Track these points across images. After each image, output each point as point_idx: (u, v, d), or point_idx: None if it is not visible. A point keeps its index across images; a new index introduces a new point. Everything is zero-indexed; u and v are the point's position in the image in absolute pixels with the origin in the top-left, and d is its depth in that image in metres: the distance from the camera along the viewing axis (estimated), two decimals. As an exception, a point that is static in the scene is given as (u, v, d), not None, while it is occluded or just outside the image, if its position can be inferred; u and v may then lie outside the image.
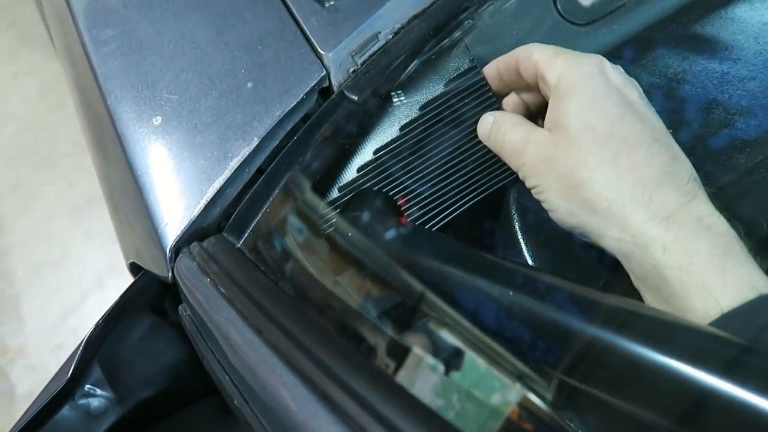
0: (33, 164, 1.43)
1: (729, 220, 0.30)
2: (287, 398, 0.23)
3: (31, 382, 1.27)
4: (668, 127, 0.34)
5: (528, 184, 0.36)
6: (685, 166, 0.32)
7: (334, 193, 0.44)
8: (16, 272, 1.34)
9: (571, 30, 0.42)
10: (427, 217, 0.43)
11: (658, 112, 0.35)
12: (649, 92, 0.38)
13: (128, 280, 0.50)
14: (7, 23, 1.57)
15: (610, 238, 0.31)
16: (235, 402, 0.26)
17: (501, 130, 0.37)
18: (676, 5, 0.42)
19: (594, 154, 0.32)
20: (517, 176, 0.38)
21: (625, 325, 0.24)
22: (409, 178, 0.47)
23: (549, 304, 0.29)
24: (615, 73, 0.34)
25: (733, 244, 0.29)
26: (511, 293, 0.31)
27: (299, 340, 0.24)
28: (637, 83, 0.35)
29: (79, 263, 1.34)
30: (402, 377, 0.26)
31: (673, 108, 0.39)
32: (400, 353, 0.28)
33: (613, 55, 0.41)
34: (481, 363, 0.33)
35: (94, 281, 1.32)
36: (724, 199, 0.31)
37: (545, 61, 0.35)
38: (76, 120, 1.51)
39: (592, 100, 0.33)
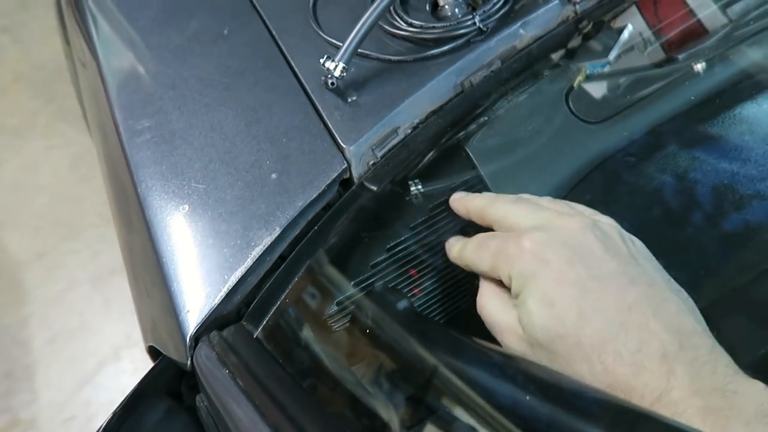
0: (60, 234, 1.47)
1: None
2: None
3: (40, 455, 1.25)
4: (677, 228, 0.34)
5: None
6: (659, 339, 0.29)
7: (349, 288, 0.44)
8: (33, 341, 1.35)
9: (582, 128, 0.44)
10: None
11: (668, 211, 0.36)
12: (660, 190, 0.39)
13: (143, 351, 0.50)
14: (47, 99, 1.66)
15: None
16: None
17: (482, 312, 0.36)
18: (686, 105, 0.43)
19: (572, 365, 0.30)
20: None
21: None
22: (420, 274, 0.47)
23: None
24: (561, 247, 0.32)
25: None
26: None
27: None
28: (601, 231, 0.33)
29: (97, 333, 1.34)
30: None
31: (683, 206, 0.39)
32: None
33: (624, 152, 0.43)
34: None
35: (109, 352, 1.32)
36: (739, 304, 0.31)
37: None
38: (103, 192, 1.55)
39: (549, 305, 0.31)
